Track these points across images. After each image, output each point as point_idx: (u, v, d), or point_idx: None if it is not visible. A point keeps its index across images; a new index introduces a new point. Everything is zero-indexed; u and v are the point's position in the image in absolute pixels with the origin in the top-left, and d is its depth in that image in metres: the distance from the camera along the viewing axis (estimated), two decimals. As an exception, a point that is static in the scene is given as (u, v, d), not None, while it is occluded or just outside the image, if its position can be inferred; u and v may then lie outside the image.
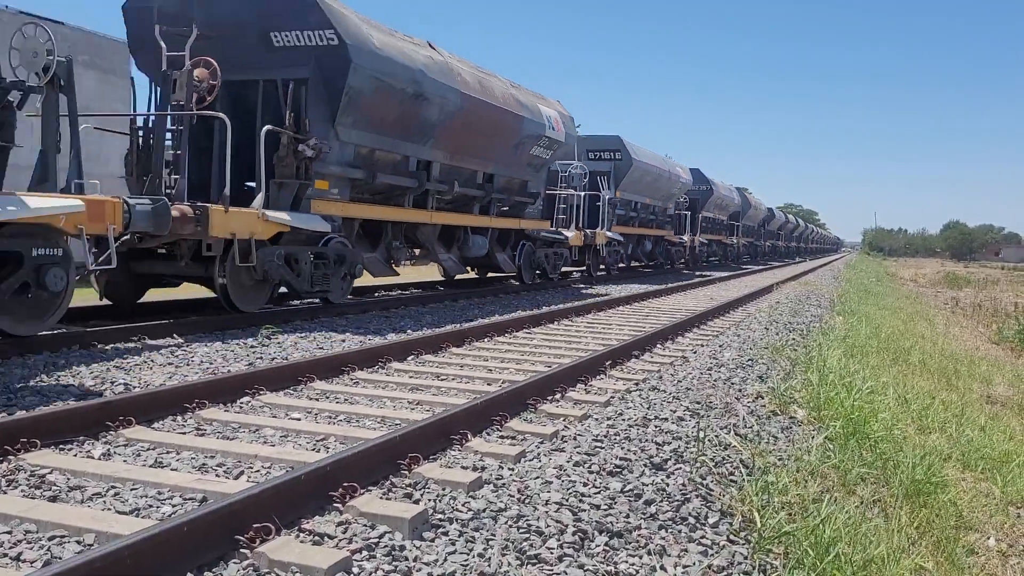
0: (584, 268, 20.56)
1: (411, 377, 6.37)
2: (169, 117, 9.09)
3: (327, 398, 5.51)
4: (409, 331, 9.04)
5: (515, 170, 15.19)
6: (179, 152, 9.00)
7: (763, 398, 6.29)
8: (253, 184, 9.54)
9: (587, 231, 19.20)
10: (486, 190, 14.25)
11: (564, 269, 18.63)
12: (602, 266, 21.69)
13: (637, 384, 6.34)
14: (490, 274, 16.73)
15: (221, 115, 8.86)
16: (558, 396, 5.66)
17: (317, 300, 10.57)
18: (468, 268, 15.52)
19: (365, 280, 12.16)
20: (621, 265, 24.33)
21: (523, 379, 5.80)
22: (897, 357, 10.43)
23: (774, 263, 47.46)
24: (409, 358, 7.13)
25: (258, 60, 9.87)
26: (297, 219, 9.60)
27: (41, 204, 6.63)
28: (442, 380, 6.27)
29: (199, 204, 8.44)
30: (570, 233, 18.00)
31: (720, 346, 8.79)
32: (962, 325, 19.92)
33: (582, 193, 19.42)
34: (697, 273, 28.14)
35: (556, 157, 17.00)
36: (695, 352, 8.27)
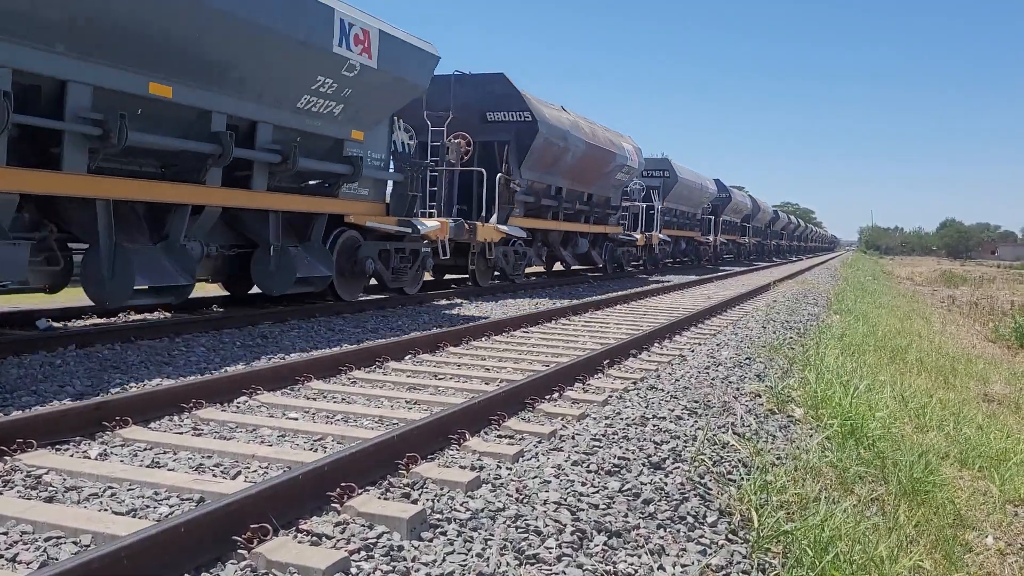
0: (641, 263, 26.78)
1: (409, 376, 6.36)
2: (441, 168, 14.48)
3: (324, 398, 5.50)
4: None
5: (605, 190, 21.43)
6: (434, 189, 13.84)
7: (761, 397, 6.29)
8: (458, 205, 15.39)
9: (646, 234, 25.17)
10: (589, 205, 20.42)
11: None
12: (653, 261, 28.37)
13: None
14: (573, 267, 21.88)
15: (480, 169, 14.96)
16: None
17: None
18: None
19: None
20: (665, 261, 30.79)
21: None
22: (894, 355, 10.44)
23: (777, 260, 53.08)
24: (407, 357, 7.13)
25: (476, 129, 15.59)
26: (510, 230, 15.49)
27: (428, 224, 11.88)
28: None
29: (471, 221, 13.98)
30: (637, 236, 23.97)
31: (717, 345, 8.79)
32: (959, 323, 19.95)
33: (642, 204, 25.55)
34: (721, 268, 33.58)
35: (630, 179, 23.07)
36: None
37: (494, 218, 15.09)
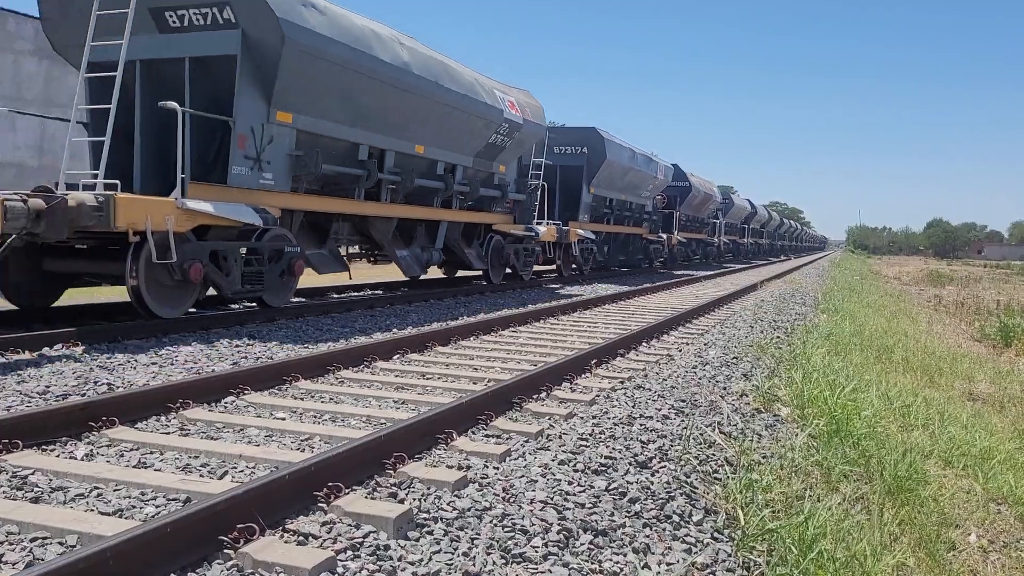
0: (713, 255, 39.51)
1: (396, 376, 6.36)
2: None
3: (312, 397, 5.50)
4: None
5: (704, 215, 36.79)
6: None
7: (747, 396, 6.33)
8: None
9: (719, 238, 39.38)
10: (699, 223, 36.04)
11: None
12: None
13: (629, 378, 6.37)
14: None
15: (671, 210, 31.10)
16: (543, 395, 5.68)
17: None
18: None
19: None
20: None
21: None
22: (880, 355, 10.51)
23: (783, 257, 64.03)
24: (395, 357, 7.13)
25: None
26: (680, 238, 30.76)
27: (663, 236, 28.66)
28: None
29: (669, 234, 30.01)
30: (716, 240, 38.83)
31: (705, 344, 8.83)
32: (945, 323, 20.08)
33: (714, 220, 39.00)
34: (752, 261, 47.15)
35: (714, 207, 38.18)
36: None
37: (676, 232, 29.89)
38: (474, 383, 6.14)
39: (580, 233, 19.56)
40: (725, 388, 6.52)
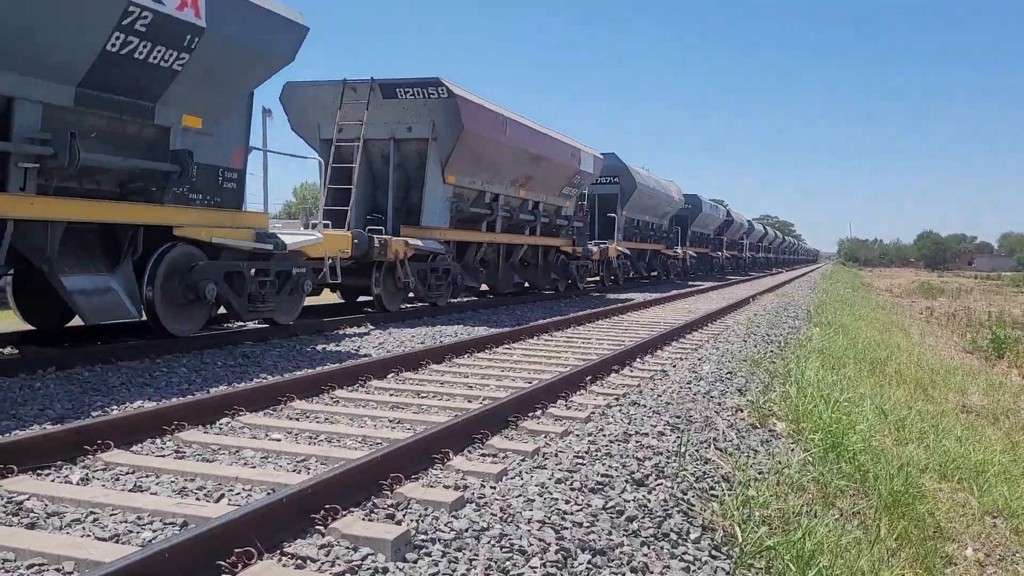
0: (737, 267, 51.73)
1: (391, 395, 6.35)
2: None
3: (307, 418, 5.49)
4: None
5: (736, 237, 50.97)
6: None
7: (743, 411, 6.34)
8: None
9: (745, 253, 52.89)
10: (720, 241, 46.78)
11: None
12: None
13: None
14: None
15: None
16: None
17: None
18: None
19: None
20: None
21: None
22: (874, 368, 10.54)
23: (776, 270, 69.73)
24: (389, 375, 7.12)
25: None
26: (727, 254, 48.16)
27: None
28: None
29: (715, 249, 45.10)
30: (742, 255, 51.75)
31: (699, 359, 8.84)
32: (937, 335, 20.16)
33: (742, 240, 52.95)
34: (767, 271, 59.89)
35: (742, 231, 52.42)
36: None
37: (724, 250, 42.80)
38: (469, 401, 6.14)
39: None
40: (720, 403, 6.52)
